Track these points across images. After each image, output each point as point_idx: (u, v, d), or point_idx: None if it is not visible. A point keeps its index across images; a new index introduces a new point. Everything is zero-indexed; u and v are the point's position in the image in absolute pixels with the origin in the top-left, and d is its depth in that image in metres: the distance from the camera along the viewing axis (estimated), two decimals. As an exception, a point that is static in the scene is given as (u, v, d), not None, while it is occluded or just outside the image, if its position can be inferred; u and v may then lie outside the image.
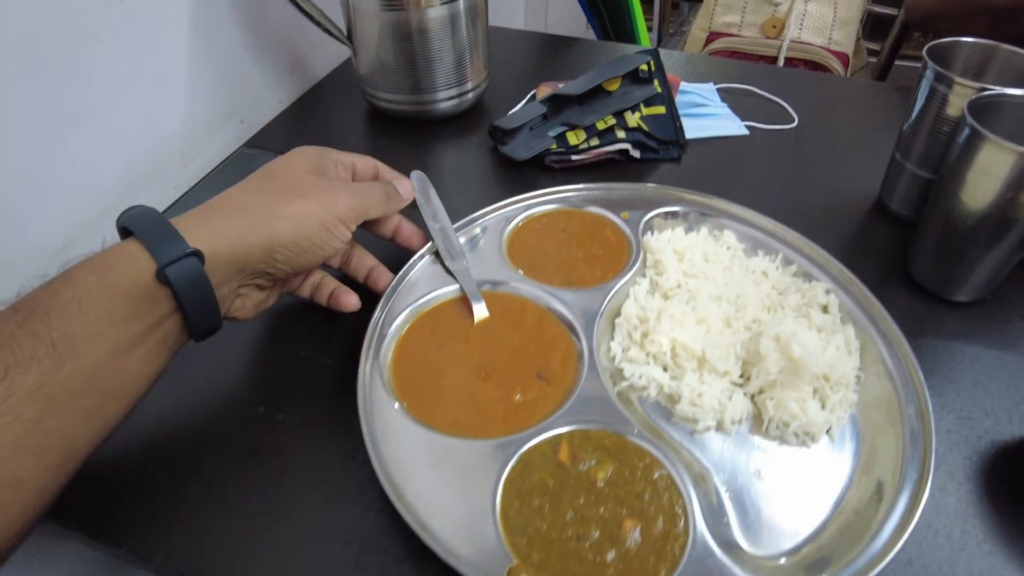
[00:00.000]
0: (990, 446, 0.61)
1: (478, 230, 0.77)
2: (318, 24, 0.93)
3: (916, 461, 0.56)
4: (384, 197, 0.66)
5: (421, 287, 0.69)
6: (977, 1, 1.12)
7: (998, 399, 0.65)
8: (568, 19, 1.86)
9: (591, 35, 1.81)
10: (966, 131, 0.65)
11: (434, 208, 0.75)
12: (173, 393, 0.63)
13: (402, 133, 1.00)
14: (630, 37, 1.49)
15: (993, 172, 0.63)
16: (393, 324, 0.65)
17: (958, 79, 0.71)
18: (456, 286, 0.69)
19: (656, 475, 0.54)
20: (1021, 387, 0.66)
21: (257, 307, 0.62)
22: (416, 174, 0.76)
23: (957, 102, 0.72)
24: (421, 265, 0.72)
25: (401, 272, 0.70)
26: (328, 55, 1.12)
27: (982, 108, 0.67)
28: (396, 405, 0.59)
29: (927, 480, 0.54)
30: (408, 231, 0.72)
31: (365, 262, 0.70)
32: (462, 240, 0.74)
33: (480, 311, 0.67)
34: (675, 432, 0.60)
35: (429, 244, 0.73)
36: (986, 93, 0.67)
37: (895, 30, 1.61)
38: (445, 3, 0.90)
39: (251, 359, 0.68)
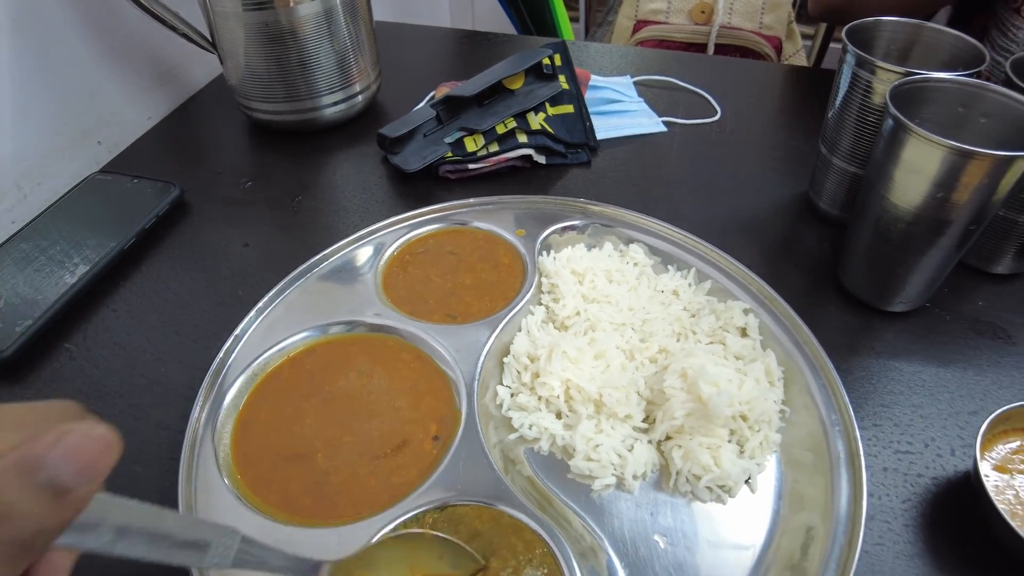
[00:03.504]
0: (931, 485, 0.53)
1: (354, 257, 0.67)
2: (173, 29, 0.82)
3: (846, 516, 0.48)
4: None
5: (272, 334, 0.59)
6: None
7: (939, 426, 0.57)
8: (498, 14, 1.76)
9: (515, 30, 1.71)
10: (889, 123, 0.57)
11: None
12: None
13: (287, 146, 0.89)
14: (551, 30, 1.39)
15: (922, 170, 0.55)
16: (236, 381, 0.55)
17: (880, 63, 0.63)
18: (302, 334, 0.59)
19: (538, 552, 0.45)
20: (963, 409, 0.58)
21: None
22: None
23: (882, 89, 0.64)
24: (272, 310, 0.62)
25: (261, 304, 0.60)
26: (206, 63, 1.00)
27: (907, 95, 0.59)
28: (226, 481, 0.49)
29: (857, 543, 0.45)
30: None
31: None
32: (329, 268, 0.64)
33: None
34: (568, 495, 0.51)
35: None
36: (910, 78, 0.59)
37: (829, 12, 1.54)
38: (317, -2, 0.80)
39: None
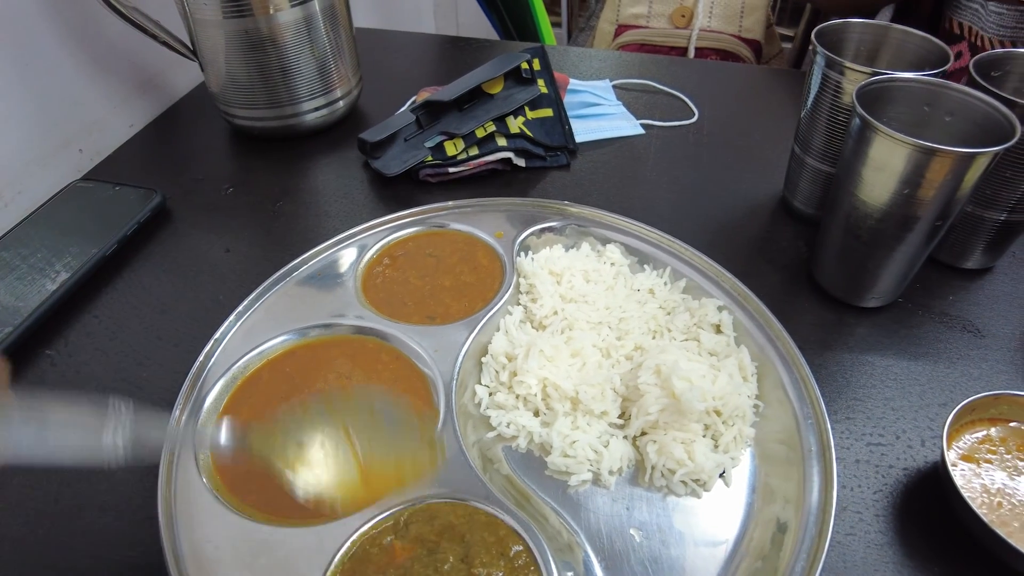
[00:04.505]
0: (902, 476, 0.54)
1: (334, 260, 0.68)
2: (153, 37, 0.83)
3: (817, 507, 0.48)
4: None
5: (252, 338, 0.60)
6: None
7: (910, 418, 0.58)
8: (482, 20, 1.77)
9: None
10: (856, 122, 0.58)
11: None
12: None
13: (268, 152, 0.90)
14: (533, 35, 1.41)
15: (888, 167, 0.56)
16: (216, 385, 0.56)
17: (849, 64, 0.64)
18: (281, 337, 0.59)
19: (512, 551, 0.46)
20: (934, 401, 0.59)
21: None
22: None
23: (851, 89, 0.65)
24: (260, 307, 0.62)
25: (240, 309, 0.60)
26: (189, 71, 1.01)
27: (874, 95, 0.60)
28: (206, 482, 0.49)
29: (827, 534, 0.46)
30: None
31: None
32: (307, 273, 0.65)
33: None
34: (546, 491, 0.51)
35: None
36: (876, 79, 0.60)
37: (807, 14, 1.56)
38: (297, 5, 0.81)
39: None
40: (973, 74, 0.61)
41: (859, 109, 0.57)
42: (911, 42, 0.68)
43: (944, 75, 0.62)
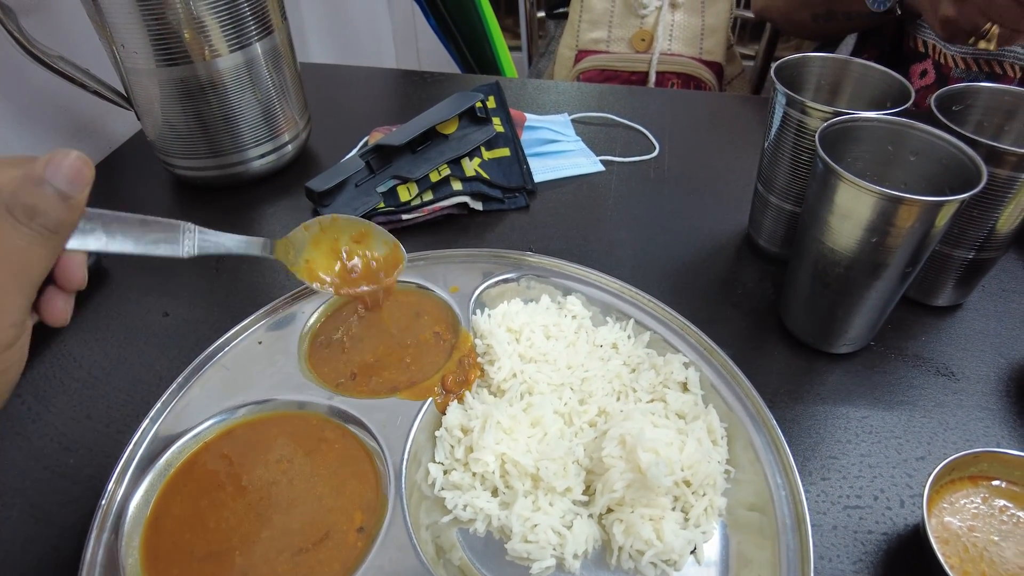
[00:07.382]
0: (881, 542, 0.51)
1: (276, 324, 0.63)
2: (82, 86, 0.78)
3: (794, 587, 0.45)
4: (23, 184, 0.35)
5: (188, 417, 0.55)
6: None
7: (887, 476, 0.55)
8: (443, 51, 1.74)
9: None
10: (820, 166, 0.55)
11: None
12: None
13: (212, 202, 0.85)
14: (492, 66, 1.38)
15: (854, 215, 0.54)
16: (148, 474, 0.51)
17: (810, 103, 0.62)
18: (217, 417, 0.55)
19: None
20: (911, 455, 0.56)
21: None
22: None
23: (813, 126, 0.63)
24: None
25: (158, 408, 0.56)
26: (127, 116, 0.95)
27: (837, 135, 0.58)
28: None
29: (806, 621, 0.43)
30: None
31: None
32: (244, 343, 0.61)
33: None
34: (505, 581, 0.48)
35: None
36: (838, 119, 0.58)
37: (767, 32, 1.56)
38: (236, 50, 0.77)
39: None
40: (935, 111, 0.59)
41: (822, 154, 0.54)
42: (872, 76, 0.66)
43: (913, 109, 0.60)
